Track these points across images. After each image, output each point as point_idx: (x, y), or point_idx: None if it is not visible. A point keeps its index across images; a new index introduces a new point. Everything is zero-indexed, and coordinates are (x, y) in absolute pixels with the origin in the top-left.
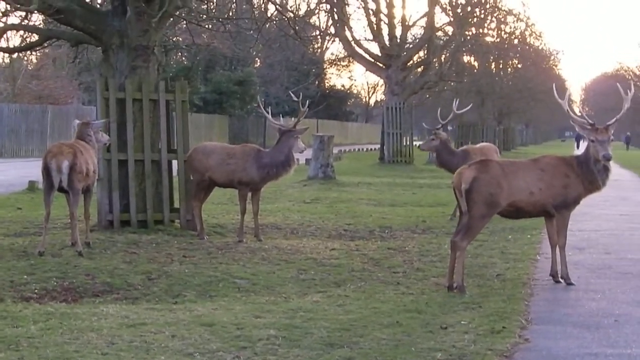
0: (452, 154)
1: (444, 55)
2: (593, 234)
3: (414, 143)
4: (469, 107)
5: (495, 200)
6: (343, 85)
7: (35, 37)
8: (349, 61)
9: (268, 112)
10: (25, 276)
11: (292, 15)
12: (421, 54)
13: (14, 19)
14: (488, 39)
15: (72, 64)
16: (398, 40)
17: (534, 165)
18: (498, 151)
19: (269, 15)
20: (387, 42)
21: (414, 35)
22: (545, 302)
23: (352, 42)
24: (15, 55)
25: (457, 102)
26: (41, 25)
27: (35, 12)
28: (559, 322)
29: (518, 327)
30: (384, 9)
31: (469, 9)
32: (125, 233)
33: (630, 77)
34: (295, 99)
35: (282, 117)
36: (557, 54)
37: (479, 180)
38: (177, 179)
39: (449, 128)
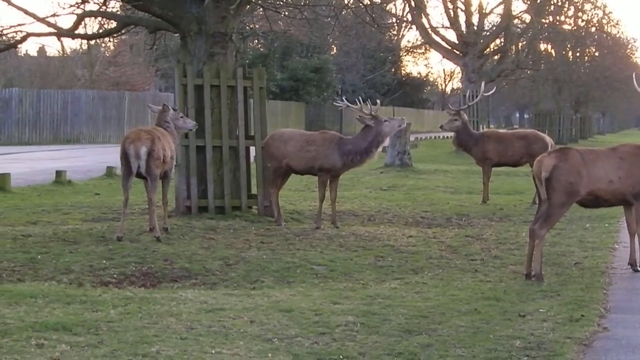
0: (470, 135)
1: (520, 43)
2: None
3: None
4: (494, 90)
5: (574, 188)
6: (419, 73)
7: (113, 24)
8: (426, 49)
9: (343, 100)
10: (104, 261)
11: (369, 2)
12: (498, 41)
13: (92, 6)
14: (565, 26)
15: (150, 51)
16: (475, 28)
17: (613, 153)
18: (541, 138)
19: (346, 2)
20: (464, 30)
21: (490, 23)
22: (624, 291)
23: (429, 30)
24: (93, 42)
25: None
26: (119, 12)
27: None
28: (638, 312)
29: (597, 316)
30: None
31: None
32: (203, 219)
33: None
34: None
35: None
36: (634, 42)
37: (559, 169)
38: (254, 166)
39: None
